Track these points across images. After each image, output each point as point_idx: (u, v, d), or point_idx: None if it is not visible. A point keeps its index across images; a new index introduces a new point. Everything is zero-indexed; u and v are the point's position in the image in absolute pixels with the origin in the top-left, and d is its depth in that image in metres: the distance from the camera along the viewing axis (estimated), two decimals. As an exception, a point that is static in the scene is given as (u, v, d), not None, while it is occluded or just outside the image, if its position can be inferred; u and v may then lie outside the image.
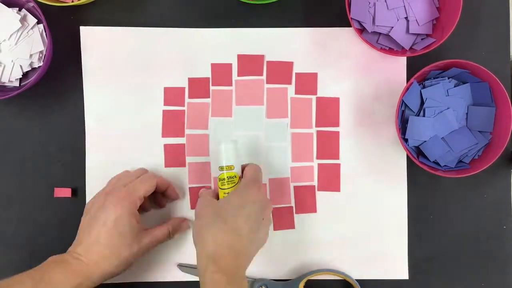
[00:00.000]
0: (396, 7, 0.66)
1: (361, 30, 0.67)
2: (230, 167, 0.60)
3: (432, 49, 0.63)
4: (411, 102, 0.65)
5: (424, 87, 0.66)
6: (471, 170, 0.63)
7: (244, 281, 0.55)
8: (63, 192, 0.67)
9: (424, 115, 0.65)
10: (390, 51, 0.67)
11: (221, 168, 0.61)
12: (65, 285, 0.54)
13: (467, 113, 0.66)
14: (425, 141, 0.65)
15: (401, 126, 0.66)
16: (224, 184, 0.61)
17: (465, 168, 0.65)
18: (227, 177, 0.60)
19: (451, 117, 0.65)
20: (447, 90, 0.66)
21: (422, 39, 0.67)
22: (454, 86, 0.66)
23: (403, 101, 0.65)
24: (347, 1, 0.64)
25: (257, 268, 0.68)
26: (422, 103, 0.66)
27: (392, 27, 0.66)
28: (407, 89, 0.64)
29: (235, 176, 0.61)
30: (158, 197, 0.67)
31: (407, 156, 0.68)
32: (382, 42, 0.67)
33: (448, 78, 0.66)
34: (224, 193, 0.61)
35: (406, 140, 0.66)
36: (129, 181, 0.62)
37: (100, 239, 0.57)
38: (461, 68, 0.64)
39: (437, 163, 0.66)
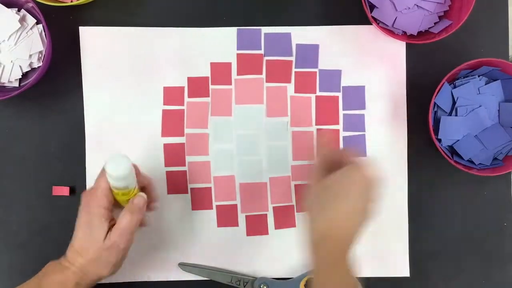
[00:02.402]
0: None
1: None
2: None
3: (451, 33, 0.62)
4: (443, 103, 0.65)
5: (455, 86, 0.66)
6: (506, 168, 0.62)
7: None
8: (61, 191, 0.67)
9: (456, 115, 0.65)
10: (410, 36, 0.66)
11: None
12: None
13: (499, 110, 0.66)
14: (458, 140, 0.65)
15: (434, 126, 0.65)
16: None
17: (499, 165, 0.65)
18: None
19: (483, 115, 0.65)
20: (478, 88, 0.65)
21: (435, 23, 0.66)
22: (485, 84, 0.66)
23: (435, 103, 0.65)
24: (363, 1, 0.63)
25: (258, 266, 0.68)
26: (454, 103, 0.65)
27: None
28: (438, 90, 0.64)
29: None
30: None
31: (407, 154, 0.68)
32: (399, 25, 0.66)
33: (479, 76, 0.66)
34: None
35: (439, 140, 0.65)
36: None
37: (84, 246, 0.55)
38: (491, 66, 0.64)
39: (472, 162, 0.65)
